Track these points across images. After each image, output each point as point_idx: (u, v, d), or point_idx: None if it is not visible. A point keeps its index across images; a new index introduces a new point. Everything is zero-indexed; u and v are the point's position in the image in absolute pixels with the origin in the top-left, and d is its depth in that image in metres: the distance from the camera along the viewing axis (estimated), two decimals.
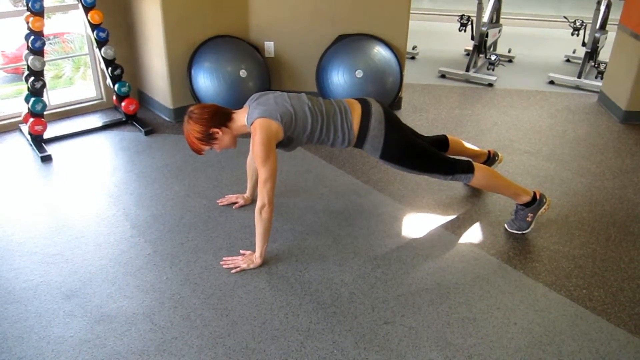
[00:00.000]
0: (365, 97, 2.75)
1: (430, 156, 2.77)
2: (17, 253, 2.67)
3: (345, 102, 2.69)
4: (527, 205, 2.84)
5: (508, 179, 2.92)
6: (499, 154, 3.28)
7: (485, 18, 5.75)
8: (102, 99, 4.49)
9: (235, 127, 2.56)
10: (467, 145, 3.22)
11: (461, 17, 5.95)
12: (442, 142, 3.09)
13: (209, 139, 2.52)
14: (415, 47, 6.46)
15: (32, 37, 3.58)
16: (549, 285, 2.48)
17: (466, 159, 2.83)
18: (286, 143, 2.58)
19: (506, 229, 2.89)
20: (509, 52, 6.43)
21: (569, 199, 3.23)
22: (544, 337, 2.18)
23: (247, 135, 2.53)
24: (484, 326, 2.24)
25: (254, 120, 2.45)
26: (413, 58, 6.37)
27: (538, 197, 2.84)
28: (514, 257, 2.69)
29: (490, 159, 3.25)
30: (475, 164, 2.82)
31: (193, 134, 2.51)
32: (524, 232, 2.85)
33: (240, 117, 2.55)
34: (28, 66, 3.63)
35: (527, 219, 2.83)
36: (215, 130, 2.50)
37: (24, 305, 2.33)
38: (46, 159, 3.62)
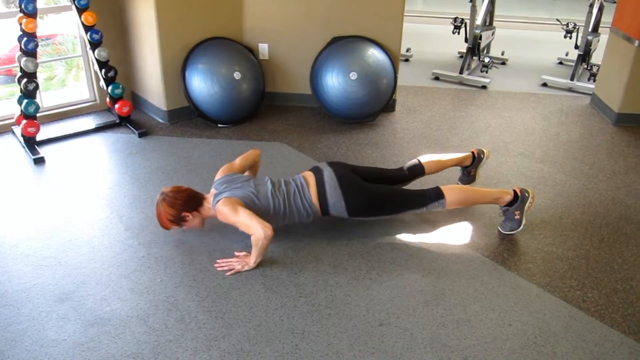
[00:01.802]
0: (319, 165, 2.88)
1: (396, 198, 2.82)
2: (10, 256, 2.65)
3: (302, 176, 2.81)
4: (510, 204, 2.85)
5: (481, 188, 2.95)
6: (485, 150, 3.26)
7: (479, 21, 5.78)
8: (95, 100, 4.48)
9: (204, 212, 2.71)
10: (446, 157, 3.19)
11: (455, 19, 5.97)
12: (416, 168, 3.07)
13: (179, 221, 2.67)
14: (409, 49, 6.47)
15: (25, 39, 3.56)
16: (543, 287, 2.49)
17: (434, 187, 2.84)
18: None
19: (500, 232, 2.90)
20: (503, 54, 6.46)
21: (562, 201, 3.25)
22: (539, 338, 2.19)
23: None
24: (479, 327, 2.24)
25: (216, 203, 2.61)
26: (407, 60, 6.39)
27: (519, 193, 2.85)
28: (508, 258, 2.70)
29: (476, 158, 3.24)
30: (444, 187, 2.83)
31: (165, 215, 2.66)
32: (516, 230, 2.85)
33: (209, 201, 2.71)
34: (21, 68, 3.61)
35: (516, 216, 2.85)
36: (187, 214, 2.66)
37: (17, 308, 2.31)
38: (39, 161, 3.60)
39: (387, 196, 2.80)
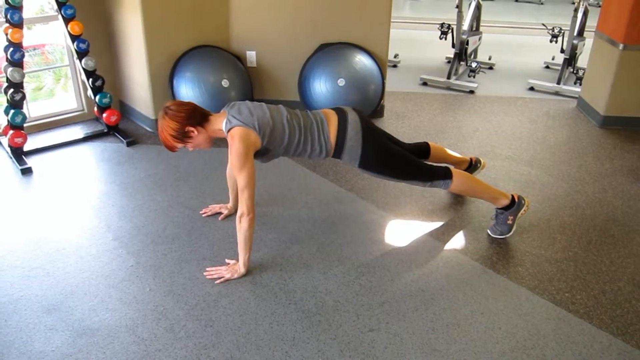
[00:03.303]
0: (343, 107, 2.75)
1: (408, 164, 2.78)
2: None
3: (322, 113, 2.70)
4: (506, 208, 2.86)
5: (486, 183, 2.95)
6: (482, 160, 3.31)
7: (466, 26, 5.82)
8: (83, 110, 4.46)
9: (211, 129, 2.53)
10: (449, 152, 3.24)
11: (442, 25, 6.01)
12: (423, 149, 3.11)
13: (183, 137, 2.48)
14: (397, 55, 6.50)
15: (11, 49, 3.55)
16: (532, 289, 2.51)
17: (444, 165, 2.86)
18: (263, 153, 2.58)
19: (489, 235, 2.91)
20: (490, 59, 6.50)
21: (550, 204, 3.27)
22: (528, 341, 2.20)
23: (224, 142, 2.52)
24: (469, 331, 2.25)
25: (231, 128, 2.45)
26: (395, 66, 6.41)
27: (517, 199, 2.87)
28: (497, 262, 2.71)
29: (472, 165, 3.27)
30: (453, 169, 2.84)
31: (167, 131, 2.47)
32: (506, 235, 2.87)
33: (217, 121, 2.53)
34: (7, 78, 3.59)
35: (508, 221, 2.86)
36: (191, 129, 2.47)
37: (4, 320, 2.29)
38: (26, 172, 3.58)
39: (400, 158, 2.76)
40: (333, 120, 2.65)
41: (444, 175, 2.79)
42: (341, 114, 2.68)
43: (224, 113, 2.55)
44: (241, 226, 2.46)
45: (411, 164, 2.79)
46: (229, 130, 2.46)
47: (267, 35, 4.43)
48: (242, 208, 2.43)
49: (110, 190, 3.37)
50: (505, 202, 2.86)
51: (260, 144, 2.49)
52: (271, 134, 2.50)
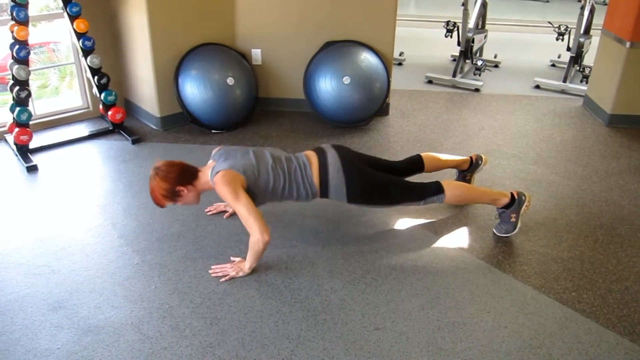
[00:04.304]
0: (322, 146, 2.81)
1: (396, 188, 2.80)
2: (2, 265, 2.64)
3: (304, 155, 2.75)
4: (507, 206, 2.85)
5: (480, 187, 2.95)
6: (483, 157, 3.27)
7: (471, 24, 5.79)
8: (88, 108, 4.46)
9: (201, 185, 2.61)
10: (445, 157, 3.20)
11: (447, 23, 6.00)
12: (416, 162, 3.08)
13: (173, 196, 2.56)
14: (402, 53, 6.49)
15: (16, 47, 3.55)
16: (538, 289, 2.49)
17: (434, 180, 2.85)
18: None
19: (495, 234, 2.90)
20: (495, 57, 6.48)
21: (556, 202, 3.25)
22: (534, 340, 2.19)
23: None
24: (475, 330, 2.24)
25: (215, 174, 2.51)
26: (400, 64, 6.40)
27: (516, 196, 2.85)
28: (503, 260, 2.70)
29: (473, 164, 3.24)
30: (445, 182, 2.83)
31: (159, 191, 2.54)
32: (511, 233, 2.86)
33: (206, 173, 2.62)
34: (13, 76, 3.60)
35: (512, 219, 2.85)
36: (181, 188, 2.55)
37: (10, 317, 2.29)
38: (32, 169, 3.58)
39: (388, 185, 2.77)
40: (314, 162, 2.70)
41: (436, 190, 2.79)
42: (321, 154, 2.73)
43: (212, 163, 2.63)
44: (258, 247, 2.46)
45: (399, 187, 2.80)
46: (214, 176, 2.52)
47: (273, 33, 4.43)
48: (255, 233, 2.43)
49: (116, 188, 3.37)
50: (505, 201, 2.85)
51: (246, 184, 2.53)
52: (256, 181, 2.56)
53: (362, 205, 2.85)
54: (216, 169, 2.53)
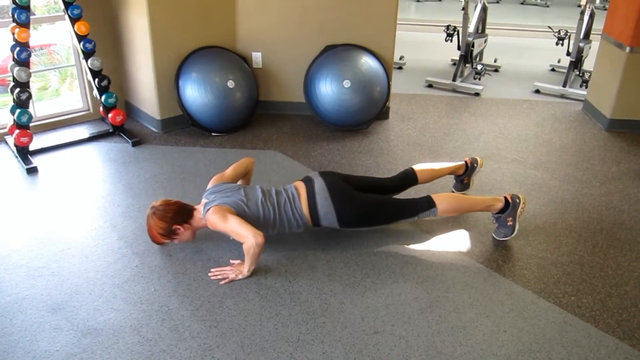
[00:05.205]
0: (310, 175, 2.86)
1: (387, 208, 2.82)
2: (2, 266, 2.63)
3: (293, 187, 2.80)
4: (502, 211, 2.86)
5: (472, 196, 2.95)
6: (479, 160, 3.27)
7: (471, 28, 5.81)
8: (89, 110, 4.47)
9: (196, 223, 2.69)
10: (439, 166, 3.20)
11: (447, 27, 6.01)
12: (410, 176, 3.08)
13: (170, 234, 2.64)
14: (402, 57, 6.50)
15: (17, 49, 3.56)
16: (537, 293, 2.49)
17: (425, 195, 2.85)
18: None
19: (494, 238, 2.90)
20: (495, 61, 6.49)
21: (556, 207, 3.25)
22: (534, 345, 2.19)
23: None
24: (474, 334, 2.24)
25: (207, 211, 2.59)
26: (400, 68, 6.41)
27: (510, 200, 2.85)
28: (502, 265, 2.70)
29: (469, 167, 3.25)
30: (435, 195, 2.84)
31: (156, 229, 2.63)
32: (510, 237, 2.86)
33: (200, 211, 2.68)
34: (14, 77, 3.60)
35: (509, 223, 2.85)
36: (178, 227, 2.63)
37: (9, 319, 2.29)
38: (32, 171, 3.58)
39: (378, 206, 2.80)
40: (302, 193, 2.75)
41: (427, 205, 2.80)
42: (309, 184, 2.77)
43: (204, 201, 2.69)
44: (253, 250, 2.48)
45: (390, 207, 2.82)
46: (205, 213, 2.60)
47: (273, 36, 4.44)
48: (247, 240, 2.47)
49: (116, 190, 3.37)
50: (500, 205, 2.85)
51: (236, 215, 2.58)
52: (246, 216, 2.59)
53: (355, 229, 2.90)
54: (207, 207, 2.60)
